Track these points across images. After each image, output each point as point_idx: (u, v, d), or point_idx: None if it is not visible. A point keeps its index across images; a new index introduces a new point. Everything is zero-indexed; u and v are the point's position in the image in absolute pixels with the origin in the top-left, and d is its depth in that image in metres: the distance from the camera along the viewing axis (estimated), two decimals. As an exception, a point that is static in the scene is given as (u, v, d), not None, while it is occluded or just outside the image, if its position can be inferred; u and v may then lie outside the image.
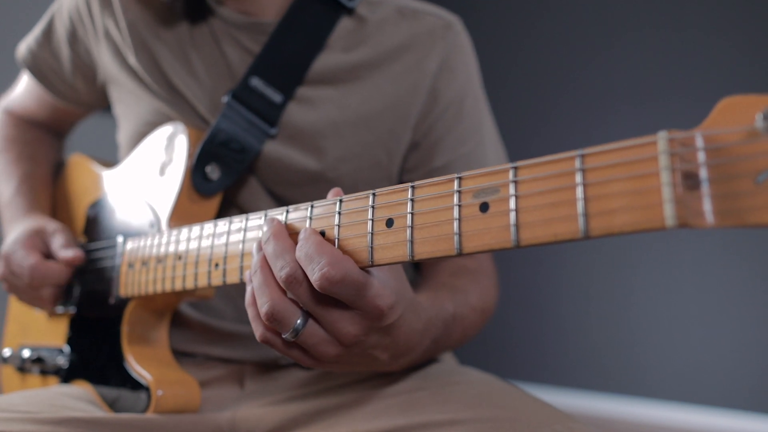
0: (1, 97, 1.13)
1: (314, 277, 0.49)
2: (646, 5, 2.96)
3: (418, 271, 0.90)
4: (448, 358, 0.88)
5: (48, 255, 0.87)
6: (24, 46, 1.01)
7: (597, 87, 3.06)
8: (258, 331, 0.56)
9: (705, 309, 2.72)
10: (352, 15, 0.88)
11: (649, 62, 2.92)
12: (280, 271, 0.51)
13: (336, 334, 0.52)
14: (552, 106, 3.19)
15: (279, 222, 0.56)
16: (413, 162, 0.88)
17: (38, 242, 0.87)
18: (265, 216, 0.60)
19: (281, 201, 0.85)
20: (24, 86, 1.07)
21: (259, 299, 0.54)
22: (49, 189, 1.04)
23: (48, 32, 0.98)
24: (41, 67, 1.00)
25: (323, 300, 0.51)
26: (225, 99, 0.83)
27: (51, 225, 0.89)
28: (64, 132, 1.12)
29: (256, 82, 0.83)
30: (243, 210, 0.84)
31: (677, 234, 2.77)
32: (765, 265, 2.62)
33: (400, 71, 0.87)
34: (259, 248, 0.56)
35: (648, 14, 2.95)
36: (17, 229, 0.90)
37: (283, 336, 0.54)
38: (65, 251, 0.85)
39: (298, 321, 0.53)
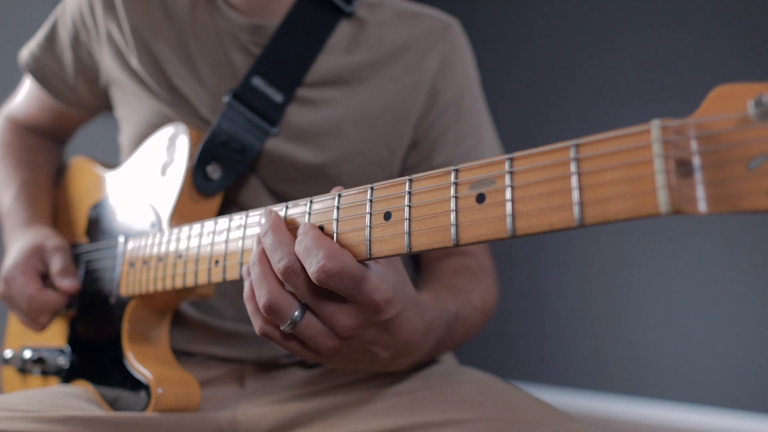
0: (2, 105, 1.14)
1: (311, 269, 0.49)
2: (638, 0, 2.98)
3: (418, 270, 0.90)
4: (448, 358, 0.88)
5: (46, 274, 0.88)
6: (27, 51, 1.01)
7: (591, 81, 3.07)
8: (257, 324, 0.56)
9: (705, 309, 2.73)
10: (352, 18, 0.89)
11: (642, 55, 2.93)
12: (278, 263, 0.52)
13: (333, 326, 0.53)
14: (547, 102, 3.20)
15: (277, 214, 0.57)
16: (413, 160, 0.89)
17: (37, 263, 0.87)
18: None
19: (282, 199, 0.85)
20: (26, 92, 1.07)
21: (257, 291, 0.54)
22: (49, 194, 1.04)
23: (51, 37, 0.99)
24: (44, 72, 1.00)
25: (321, 292, 0.52)
26: (226, 99, 0.84)
27: (51, 242, 0.89)
28: (65, 138, 1.13)
29: (257, 82, 0.84)
30: (244, 209, 0.84)
31: (678, 233, 2.78)
32: (765, 266, 2.62)
33: (401, 71, 0.88)
34: (258, 241, 0.56)
35: (640, 8, 2.97)
36: (17, 243, 0.90)
37: (281, 328, 0.54)
38: (64, 281, 0.85)
39: (296, 313, 0.53)
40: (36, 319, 0.86)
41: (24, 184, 1.01)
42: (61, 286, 0.85)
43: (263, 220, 0.56)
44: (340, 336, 0.54)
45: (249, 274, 0.56)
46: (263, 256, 0.55)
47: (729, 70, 2.67)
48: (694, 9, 2.83)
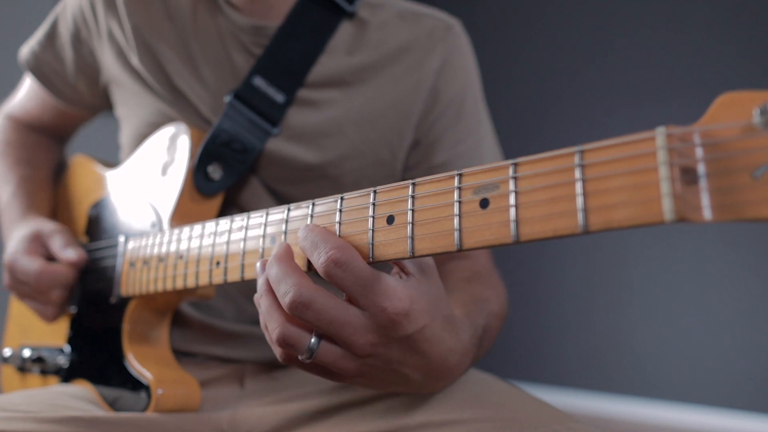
0: (2, 103, 1.14)
1: (320, 260, 0.48)
2: (643, 4, 2.97)
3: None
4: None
5: (50, 257, 0.87)
6: (27, 49, 1.01)
7: (595, 86, 3.07)
8: (277, 353, 0.54)
9: (705, 309, 2.73)
10: (353, 19, 0.89)
11: (647, 61, 2.93)
12: (284, 297, 0.50)
13: (350, 346, 0.50)
14: (550, 106, 3.20)
15: (288, 245, 0.54)
16: (414, 160, 0.89)
17: (37, 246, 0.87)
18: (267, 214, 0.60)
19: (283, 200, 0.85)
20: (26, 90, 1.07)
21: (269, 324, 0.52)
22: (48, 192, 1.04)
23: (51, 34, 0.98)
24: (44, 70, 1.00)
25: (334, 319, 0.49)
26: (227, 99, 0.83)
27: (47, 226, 0.89)
28: (65, 137, 1.12)
29: (258, 82, 0.84)
30: (244, 210, 0.84)
31: (677, 234, 2.78)
32: (765, 266, 2.62)
33: (402, 71, 0.88)
34: (263, 268, 0.54)
35: (645, 13, 2.96)
36: (15, 235, 0.90)
37: (299, 358, 0.52)
38: (66, 252, 0.85)
39: (312, 341, 0.51)
40: (48, 295, 0.85)
41: (22, 181, 1.00)
42: (67, 257, 0.84)
43: (275, 251, 0.54)
44: (358, 355, 0.51)
45: (259, 304, 0.54)
46: (269, 286, 0.52)
47: (734, 76, 2.67)
48: (699, 14, 2.82)
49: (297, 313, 0.49)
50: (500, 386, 0.69)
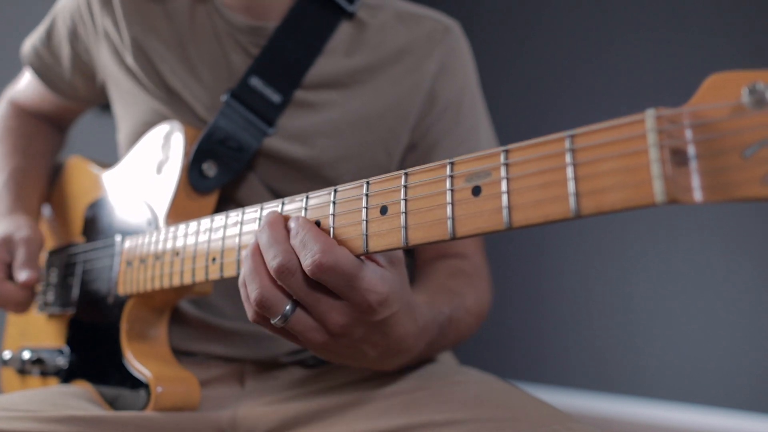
0: (7, 88, 1.15)
1: (306, 263, 0.50)
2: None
3: (414, 270, 0.90)
4: (447, 358, 0.87)
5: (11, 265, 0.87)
6: (28, 44, 1.03)
7: (591, 86, 3.07)
8: (249, 312, 0.57)
9: (705, 309, 2.72)
10: (352, 20, 0.89)
11: (645, 60, 2.93)
12: (272, 260, 0.52)
13: (324, 322, 0.53)
14: (548, 107, 3.20)
15: (277, 213, 0.56)
16: (411, 163, 0.89)
17: (4, 254, 0.87)
18: (261, 209, 0.60)
19: (279, 197, 0.85)
20: (27, 81, 1.08)
21: (249, 285, 0.54)
22: (41, 183, 1.04)
23: (50, 31, 0.99)
24: (43, 65, 1.01)
25: (314, 290, 0.52)
26: (224, 98, 0.84)
27: (20, 233, 0.88)
28: (66, 125, 1.14)
29: (255, 82, 0.84)
30: (241, 207, 0.84)
31: (678, 233, 2.78)
32: (765, 265, 2.62)
33: (400, 73, 0.88)
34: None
35: (641, 9, 2.97)
36: None
37: (272, 322, 0.54)
38: (21, 272, 0.85)
39: (287, 308, 0.53)
40: (4, 307, 0.86)
41: (15, 172, 1.00)
42: (17, 278, 0.84)
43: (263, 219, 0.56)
44: (330, 332, 0.54)
45: (244, 263, 0.56)
46: (257, 250, 0.55)
47: (724, 59, 2.67)
48: (692, 4, 2.83)
49: (282, 278, 0.52)
50: (500, 386, 0.69)
